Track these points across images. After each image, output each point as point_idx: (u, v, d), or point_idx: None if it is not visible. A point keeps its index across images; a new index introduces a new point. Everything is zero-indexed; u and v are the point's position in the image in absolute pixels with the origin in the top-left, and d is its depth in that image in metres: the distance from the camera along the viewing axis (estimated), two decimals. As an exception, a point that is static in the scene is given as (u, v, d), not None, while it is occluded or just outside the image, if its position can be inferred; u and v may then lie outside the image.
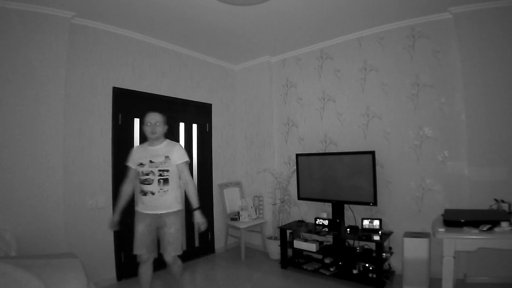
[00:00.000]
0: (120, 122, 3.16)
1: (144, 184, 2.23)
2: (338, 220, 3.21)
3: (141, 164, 2.26)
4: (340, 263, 3.12)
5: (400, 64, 3.18)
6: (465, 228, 2.04)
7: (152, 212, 2.24)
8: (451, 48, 2.92)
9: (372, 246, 2.94)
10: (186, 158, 2.36)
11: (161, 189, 2.23)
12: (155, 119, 2.31)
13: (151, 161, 2.24)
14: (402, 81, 3.17)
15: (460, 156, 2.86)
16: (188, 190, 2.34)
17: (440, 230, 2.04)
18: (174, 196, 2.30)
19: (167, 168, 2.26)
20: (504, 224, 1.98)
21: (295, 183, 3.69)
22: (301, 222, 3.61)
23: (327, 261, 3.25)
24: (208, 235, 4.02)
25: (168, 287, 3.01)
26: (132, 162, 2.34)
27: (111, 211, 3.03)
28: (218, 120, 4.24)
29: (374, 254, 2.88)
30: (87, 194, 2.89)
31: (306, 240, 3.33)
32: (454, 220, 2.15)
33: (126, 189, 2.36)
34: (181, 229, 2.34)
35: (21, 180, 2.49)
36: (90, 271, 2.24)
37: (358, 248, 3.10)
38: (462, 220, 2.11)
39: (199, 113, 4.03)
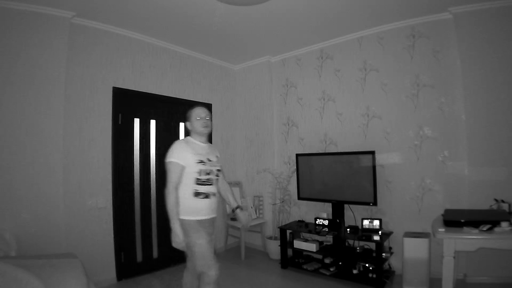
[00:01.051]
0: (120, 122, 3.16)
1: (205, 185, 1.97)
2: (338, 220, 3.21)
3: (202, 162, 1.96)
4: (340, 263, 3.12)
5: (400, 64, 3.18)
6: (465, 228, 2.04)
7: (211, 216, 2.04)
8: (451, 48, 2.92)
9: (372, 246, 2.94)
10: None
11: (217, 190, 2.10)
12: (205, 112, 2.09)
13: (209, 159, 2.02)
14: (402, 81, 3.17)
15: (460, 156, 2.86)
16: (228, 190, 2.24)
17: (440, 230, 2.04)
18: None
19: (220, 168, 2.13)
20: (504, 224, 1.98)
21: (295, 183, 3.69)
22: (301, 222, 3.61)
23: (327, 261, 3.25)
24: (208, 235, 4.01)
25: (168, 287, 3.01)
26: (183, 159, 1.93)
27: (111, 211, 3.04)
28: (218, 120, 4.24)
29: (374, 254, 2.88)
30: (87, 194, 2.89)
31: (306, 240, 3.33)
32: (454, 220, 2.15)
33: (178, 195, 1.92)
34: None
35: (21, 180, 2.49)
36: (90, 271, 2.23)
37: (358, 248, 3.10)
38: (462, 220, 2.11)
39: (199, 113, 4.02)
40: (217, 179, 2.08)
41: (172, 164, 1.93)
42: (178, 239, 1.85)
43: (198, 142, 2.08)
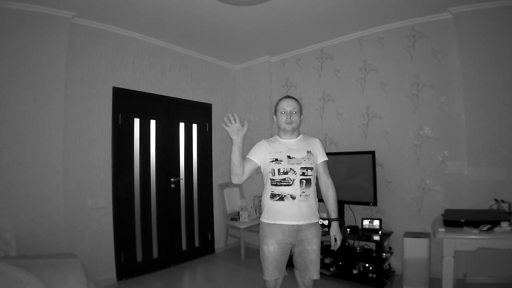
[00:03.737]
0: (120, 122, 3.16)
1: (281, 185, 1.73)
2: (338, 220, 3.20)
3: (277, 161, 1.75)
4: (340, 263, 3.12)
5: (400, 64, 3.18)
6: (465, 228, 2.04)
7: (288, 222, 1.72)
8: (451, 48, 2.92)
9: (372, 246, 2.94)
10: (327, 157, 1.89)
11: (303, 193, 1.73)
12: (291, 105, 1.82)
13: (289, 157, 1.75)
14: (402, 81, 3.17)
15: (460, 156, 2.86)
16: (328, 196, 1.88)
17: (440, 230, 2.03)
18: (315, 202, 1.81)
19: (311, 166, 1.77)
20: (504, 224, 1.98)
21: (295, 183, 3.69)
22: (301, 222, 3.60)
23: (327, 261, 3.24)
24: (208, 235, 4.02)
25: (168, 287, 3.01)
26: (257, 156, 1.81)
27: (111, 211, 3.04)
28: (218, 120, 4.24)
29: (374, 254, 2.88)
30: (87, 194, 2.89)
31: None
32: (454, 220, 2.15)
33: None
34: (320, 246, 1.84)
35: (21, 180, 2.49)
36: (90, 271, 2.24)
37: (358, 248, 3.10)
38: (462, 220, 2.11)
39: (199, 113, 4.03)
40: (305, 179, 1.75)
41: (245, 159, 1.82)
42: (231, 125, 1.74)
43: (282, 140, 1.86)
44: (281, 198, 1.73)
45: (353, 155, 3.19)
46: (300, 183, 1.73)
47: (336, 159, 3.32)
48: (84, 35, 2.93)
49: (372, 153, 3.04)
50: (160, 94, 3.53)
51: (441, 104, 2.97)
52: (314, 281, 1.83)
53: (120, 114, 3.16)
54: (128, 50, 3.26)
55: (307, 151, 1.80)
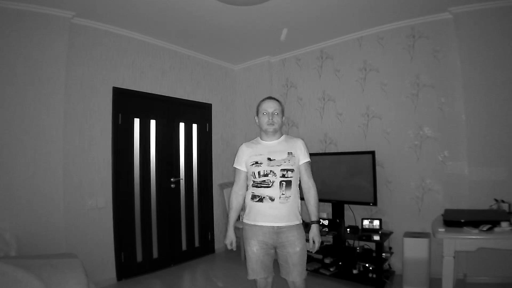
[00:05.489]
0: (120, 122, 3.16)
1: (261, 187, 1.75)
2: (338, 220, 3.20)
3: (257, 163, 1.77)
4: (340, 263, 3.12)
5: (400, 64, 3.18)
6: (465, 228, 2.04)
7: (269, 224, 1.73)
8: (451, 48, 2.92)
9: (372, 246, 2.94)
10: (309, 158, 1.87)
11: (283, 194, 1.73)
12: (273, 107, 1.82)
13: (269, 159, 1.76)
14: (402, 81, 3.17)
15: (460, 156, 2.86)
16: (309, 197, 1.84)
17: (440, 230, 2.03)
18: (296, 204, 1.80)
19: (292, 168, 1.77)
20: (504, 224, 1.98)
21: (295, 183, 3.69)
22: (301, 222, 3.60)
23: (327, 261, 3.24)
24: (208, 235, 4.02)
25: (168, 287, 3.01)
26: (242, 163, 1.86)
27: (111, 211, 3.04)
28: (218, 120, 4.24)
29: (374, 254, 2.88)
30: (87, 194, 2.89)
31: (306, 240, 3.32)
32: (454, 220, 2.15)
33: (237, 199, 1.89)
34: (305, 247, 1.82)
35: (21, 180, 2.49)
36: (90, 271, 2.24)
37: (358, 248, 3.10)
38: (462, 220, 2.11)
39: (199, 113, 4.03)
40: (285, 181, 1.74)
41: (235, 170, 1.90)
42: (226, 240, 1.88)
43: (263, 141, 1.87)
44: (261, 199, 1.75)
45: (353, 155, 3.19)
46: (280, 185, 1.74)
47: (336, 159, 3.32)
48: (84, 35, 2.93)
49: (372, 153, 3.03)
50: (160, 94, 3.53)
51: (441, 104, 2.97)
52: (306, 280, 1.82)
53: (120, 114, 3.16)
54: (128, 50, 3.26)
55: (288, 153, 1.79)
